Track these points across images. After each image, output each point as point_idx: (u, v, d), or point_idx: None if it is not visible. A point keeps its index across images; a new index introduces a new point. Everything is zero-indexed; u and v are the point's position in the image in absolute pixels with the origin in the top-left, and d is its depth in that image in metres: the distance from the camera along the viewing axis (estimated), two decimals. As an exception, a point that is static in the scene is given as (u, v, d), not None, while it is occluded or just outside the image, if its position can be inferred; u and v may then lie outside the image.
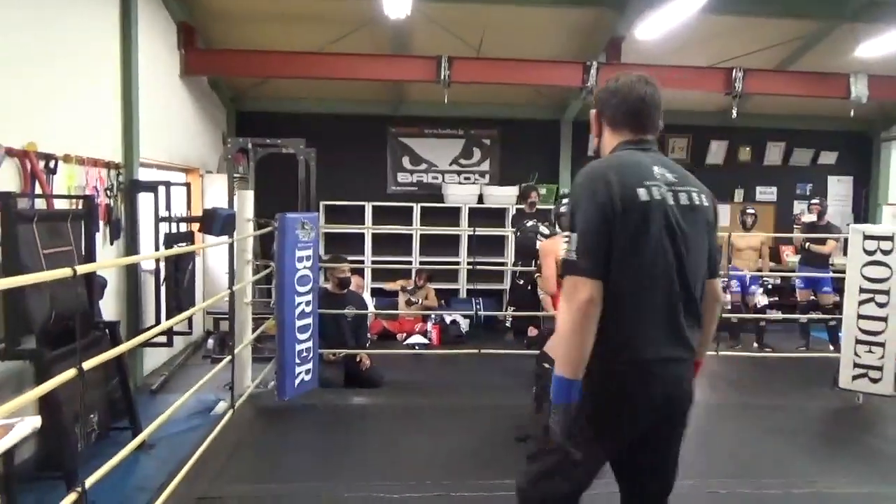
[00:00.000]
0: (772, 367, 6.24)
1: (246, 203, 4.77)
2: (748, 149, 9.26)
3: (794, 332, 7.29)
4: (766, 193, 9.37)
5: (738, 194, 9.30)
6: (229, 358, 3.73)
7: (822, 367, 5.59)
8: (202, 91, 7.56)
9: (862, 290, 4.75)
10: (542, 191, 7.85)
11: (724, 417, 4.63)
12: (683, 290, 1.80)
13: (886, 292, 4.66)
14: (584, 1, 6.75)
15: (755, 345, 7.02)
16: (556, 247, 4.24)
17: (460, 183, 9.05)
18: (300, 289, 4.44)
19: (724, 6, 6.38)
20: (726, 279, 7.16)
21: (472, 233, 7.48)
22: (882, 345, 4.67)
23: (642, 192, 1.76)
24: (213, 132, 7.93)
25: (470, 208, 8.63)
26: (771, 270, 7.90)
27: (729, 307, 7.22)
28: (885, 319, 4.66)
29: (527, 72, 7.12)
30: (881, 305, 4.67)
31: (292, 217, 4.42)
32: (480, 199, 8.78)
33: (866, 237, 4.78)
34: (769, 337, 7.17)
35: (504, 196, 8.61)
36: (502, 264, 8.29)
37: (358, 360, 5.32)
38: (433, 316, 7.46)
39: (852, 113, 7.36)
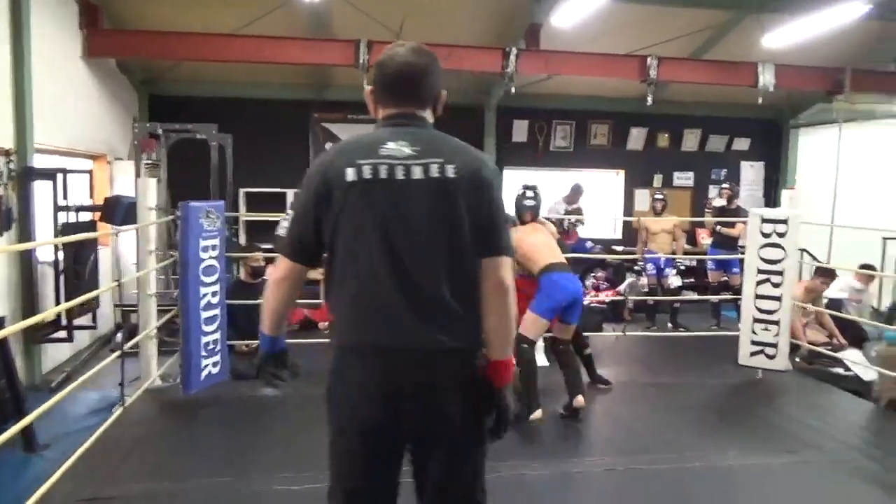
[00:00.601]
0: (684, 346, 6.46)
1: (148, 190, 4.57)
2: (666, 135, 9.56)
3: (707, 312, 7.57)
4: (684, 179, 9.70)
5: (657, 179, 9.59)
6: (118, 354, 3.58)
7: (730, 345, 5.80)
8: (109, 74, 7.22)
9: (759, 271, 4.97)
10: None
11: (631, 397, 4.76)
12: (398, 275, 1.67)
13: (781, 273, 4.89)
14: (502, -14, 6.79)
15: (669, 325, 7.26)
16: (516, 238, 4.28)
17: (385, 169, 8.96)
18: (205, 279, 4.31)
19: (638, -5, 6.53)
20: (642, 262, 7.38)
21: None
22: (777, 323, 4.90)
23: (350, 172, 1.69)
24: (123, 117, 7.59)
25: (395, 195, 8.55)
26: (687, 253, 8.18)
27: (646, 290, 7.46)
28: (779, 299, 4.89)
29: (447, 57, 7.07)
30: (776, 286, 4.90)
31: (195, 205, 4.26)
32: (405, 185, 8.71)
33: (764, 220, 5.00)
34: (683, 317, 7.43)
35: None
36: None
37: (272, 350, 5.20)
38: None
39: (760, 100, 7.65)
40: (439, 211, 1.69)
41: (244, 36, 6.85)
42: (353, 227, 1.70)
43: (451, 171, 1.70)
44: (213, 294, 4.37)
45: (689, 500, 3.23)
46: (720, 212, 7.36)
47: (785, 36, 6.94)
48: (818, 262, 8.00)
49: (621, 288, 7.87)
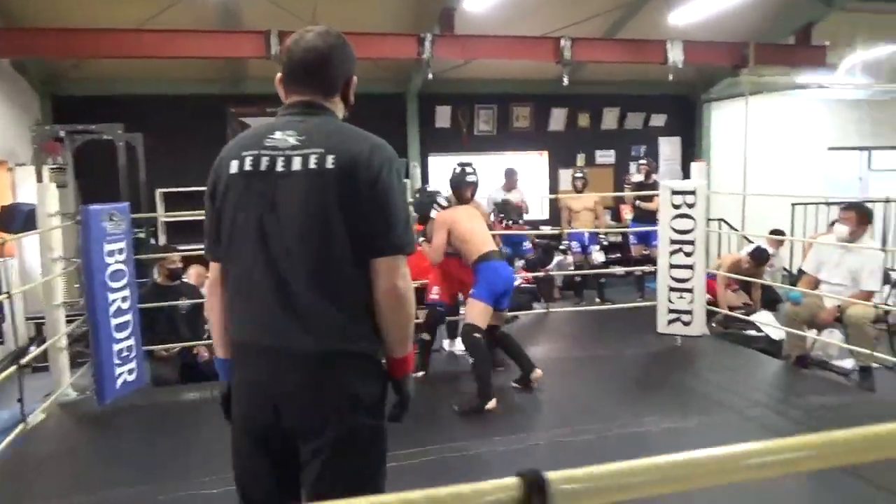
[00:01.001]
0: (610, 319, 6.64)
1: (47, 196, 4.36)
2: (587, 115, 9.74)
3: (632, 285, 7.80)
4: (605, 157, 9.94)
5: (580, 159, 9.78)
6: (15, 367, 3.41)
7: (652, 315, 6.00)
8: (4, 75, 6.82)
9: (672, 242, 5.15)
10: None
11: (559, 372, 4.84)
12: (272, 275, 1.59)
13: (692, 242, 5.08)
14: (412, -29, 6.74)
15: (597, 300, 7.45)
16: (453, 218, 4.28)
17: (308, 162, 8.82)
18: (113, 284, 4.14)
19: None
20: (567, 241, 7.53)
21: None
22: (690, 290, 5.10)
23: (234, 165, 1.63)
24: (24, 120, 7.19)
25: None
26: (610, 228, 8.40)
27: (572, 267, 7.62)
28: (691, 267, 5.08)
29: (361, 45, 6.82)
30: (688, 255, 5.09)
31: (96, 209, 4.09)
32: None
33: (674, 192, 5.17)
34: (610, 291, 7.64)
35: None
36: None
37: (195, 352, 5.09)
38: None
39: (671, 77, 7.87)
40: (313, 207, 1.57)
41: (150, 30, 6.58)
42: (232, 221, 1.65)
43: (330, 161, 1.57)
44: (124, 299, 4.21)
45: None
46: (638, 187, 7.58)
47: (690, 13, 7.17)
48: (735, 230, 8.37)
49: (550, 267, 8.02)
